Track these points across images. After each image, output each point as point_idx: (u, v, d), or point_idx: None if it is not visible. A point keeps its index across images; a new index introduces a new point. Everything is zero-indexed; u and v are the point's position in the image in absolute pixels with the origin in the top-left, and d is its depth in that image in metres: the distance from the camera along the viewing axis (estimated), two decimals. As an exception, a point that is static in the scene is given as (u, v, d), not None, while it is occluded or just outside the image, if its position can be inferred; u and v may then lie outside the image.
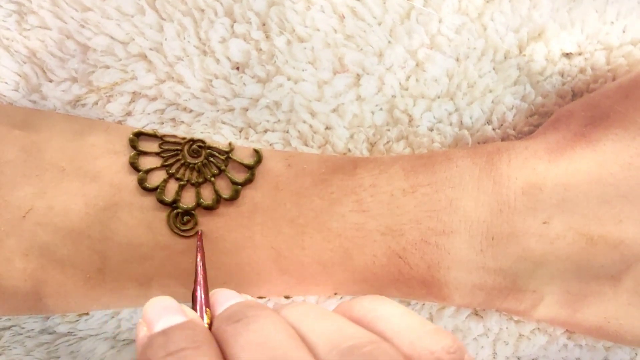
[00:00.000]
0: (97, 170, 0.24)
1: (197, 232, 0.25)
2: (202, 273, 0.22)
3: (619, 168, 0.23)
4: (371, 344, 0.18)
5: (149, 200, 0.25)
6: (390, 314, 0.20)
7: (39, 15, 0.24)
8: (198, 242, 0.24)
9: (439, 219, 0.24)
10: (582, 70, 0.26)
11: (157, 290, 0.25)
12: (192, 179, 0.25)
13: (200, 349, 0.18)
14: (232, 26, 0.25)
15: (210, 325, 0.21)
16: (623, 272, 0.24)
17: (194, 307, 0.21)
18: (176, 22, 0.24)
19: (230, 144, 0.25)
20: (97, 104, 0.25)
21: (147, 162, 0.25)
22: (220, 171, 0.25)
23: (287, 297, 0.27)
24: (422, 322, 0.20)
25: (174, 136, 0.25)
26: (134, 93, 0.25)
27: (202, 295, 0.21)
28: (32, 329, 0.27)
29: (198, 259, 0.23)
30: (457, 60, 0.26)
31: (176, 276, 0.25)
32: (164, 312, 0.19)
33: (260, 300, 0.27)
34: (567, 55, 0.26)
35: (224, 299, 0.21)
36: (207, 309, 0.21)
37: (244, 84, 0.25)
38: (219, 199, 0.25)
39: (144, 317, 0.20)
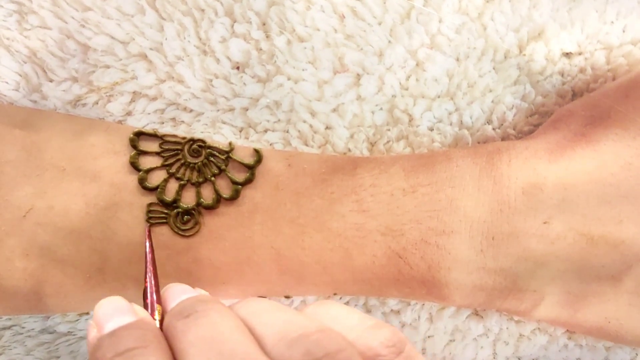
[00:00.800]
0: (97, 170, 0.24)
1: (146, 226, 0.24)
2: (151, 269, 0.22)
3: (619, 168, 0.23)
4: (319, 332, 0.18)
5: (150, 200, 0.25)
6: (330, 315, 0.20)
7: (39, 15, 0.24)
8: (147, 239, 0.23)
9: (439, 219, 0.24)
10: (582, 70, 0.26)
11: (157, 290, 0.25)
12: (192, 179, 0.25)
13: (149, 348, 0.18)
14: (232, 26, 0.25)
15: (162, 322, 0.21)
16: (623, 273, 0.24)
17: (144, 303, 0.21)
18: (176, 21, 0.24)
19: (230, 143, 0.25)
20: (97, 103, 0.25)
21: (147, 162, 0.25)
22: (221, 171, 0.25)
23: (287, 297, 0.27)
24: (362, 318, 0.20)
25: (174, 136, 0.25)
26: (134, 93, 0.25)
27: (152, 291, 0.21)
28: (33, 329, 0.27)
29: (147, 254, 0.23)
30: (457, 60, 0.26)
31: (176, 276, 0.25)
32: (113, 312, 0.20)
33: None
34: (567, 54, 0.26)
35: (176, 294, 0.21)
36: (159, 306, 0.21)
37: (244, 83, 0.25)
38: (219, 199, 0.25)
39: (94, 319, 0.20)
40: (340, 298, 0.28)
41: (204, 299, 0.20)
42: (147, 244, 0.23)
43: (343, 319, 0.20)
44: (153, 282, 0.22)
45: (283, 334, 0.18)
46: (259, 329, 0.19)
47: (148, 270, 0.22)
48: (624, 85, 0.24)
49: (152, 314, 0.21)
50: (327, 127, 0.26)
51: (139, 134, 0.25)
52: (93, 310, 0.26)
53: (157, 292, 0.22)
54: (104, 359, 0.18)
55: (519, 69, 0.26)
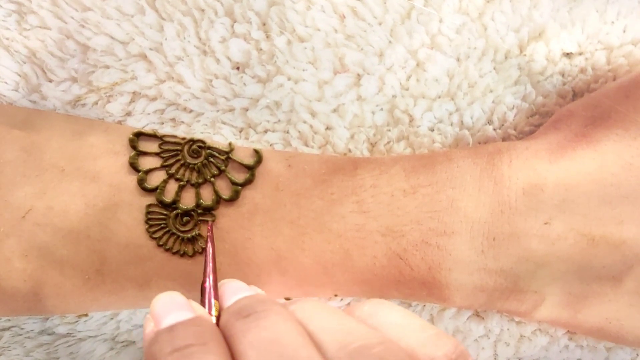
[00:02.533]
0: (96, 170, 0.24)
1: (208, 223, 0.24)
2: (211, 264, 0.22)
3: (620, 168, 0.23)
4: (381, 345, 0.18)
5: (149, 201, 0.24)
6: (391, 318, 0.20)
7: (38, 15, 0.24)
8: (208, 233, 0.23)
9: (440, 219, 0.24)
10: (582, 70, 0.26)
11: (156, 291, 0.25)
12: (192, 180, 0.25)
13: (207, 346, 0.18)
14: (232, 26, 0.25)
15: (218, 317, 0.20)
16: (624, 273, 0.24)
17: (202, 299, 0.21)
18: (176, 22, 0.24)
19: (230, 144, 0.25)
20: (97, 104, 0.25)
21: (146, 163, 0.25)
22: (220, 171, 0.25)
23: (287, 299, 0.27)
24: (423, 326, 0.20)
25: (174, 136, 0.25)
26: (134, 93, 0.25)
27: (211, 289, 0.21)
28: (32, 330, 0.27)
29: (209, 250, 0.22)
30: (458, 60, 0.26)
31: (175, 278, 0.25)
32: (171, 307, 0.19)
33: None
34: (568, 55, 0.26)
35: (233, 291, 0.21)
36: (216, 301, 0.21)
37: (244, 84, 0.25)
38: (218, 200, 0.25)
39: (152, 313, 0.20)
40: (341, 299, 0.28)
41: (262, 299, 0.20)
42: (208, 238, 0.23)
43: (403, 324, 0.20)
44: (212, 279, 0.21)
45: (344, 343, 0.18)
46: (319, 335, 0.18)
47: (208, 263, 0.22)
48: (624, 86, 0.24)
49: (209, 309, 0.21)
50: (327, 128, 0.26)
51: (139, 135, 0.25)
52: (96, 311, 0.26)
53: (215, 287, 0.21)
54: (161, 353, 0.17)
55: (519, 69, 0.26)
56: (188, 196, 0.25)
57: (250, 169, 0.25)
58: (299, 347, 0.18)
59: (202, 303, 0.21)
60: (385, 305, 0.20)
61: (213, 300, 0.21)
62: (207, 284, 0.21)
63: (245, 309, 0.19)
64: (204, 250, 0.23)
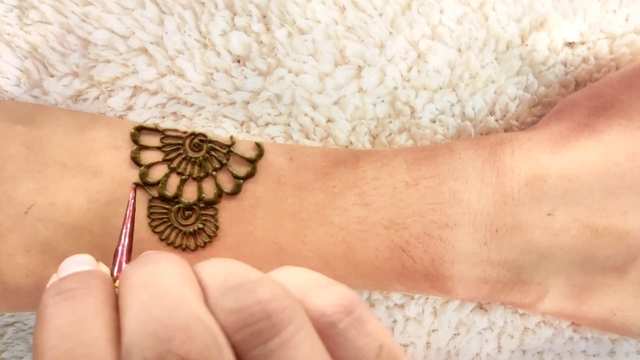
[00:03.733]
0: (98, 165, 0.24)
1: (133, 186, 0.24)
2: (129, 226, 0.22)
3: (624, 158, 0.23)
4: (256, 282, 0.17)
5: (151, 195, 0.24)
6: (289, 275, 0.19)
7: (39, 10, 0.24)
8: (131, 199, 0.23)
9: (442, 211, 0.24)
10: (585, 60, 0.26)
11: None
12: (193, 173, 0.25)
13: (91, 289, 0.18)
14: (232, 19, 0.25)
15: None
16: (628, 264, 0.23)
17: (113, 262, 0.21)
18: (177, 15, 0.24)
19: (231, 137, 0.25)
20: (98, 98, 0.25)
21: (148, 157, 0.25)
22: (222, 165, 0.25)
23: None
24: (317, 278, 0.19)
25: (176, 130, 0.25)
26: (135, 87, 0.25)
27: (124, 251, 0.21)
28: (35, 326, 0.27)
29: (128, 214, 0.22)
30: (459, 50, 0.25)
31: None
32: (75, 265, 0.20)
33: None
34: (570, 44, 0.26)
35: (146, 255, 0.20)
36: (127, 265, 0.21)
37: (245, 77, 0.25)
38: (220, 193, 0.25)
39: (58, 270, 0.20)
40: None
41: (163, 253, 0.20)
42: (131, 203, 0.23)
43: (297, 278, 0.19)
44: (127, 242, 0.22)
45: (222, 284, 0.18)
46: (205, 280, 0.18)
47: (124, 228, 0.22)
48: (627, 75, 0.24)
49: (119, 270, 0.21)
50: (328, 120, 0.26)
51: (140, 129, 0.25)
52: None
53: (130, 252, 0.22)
54: (46, 296, 0.18)
55: (521, 60, 0.26)
56: (190, 190, 0.25)
57: (252, 162, 0.25)
58: (174, 287, 0.17)
59: (112, 265, 0.21)
60: (288, 267, 0.20)
61: (124, 265, 0.21)
62: (119, 247, 0.21)
63: (141, 258, 0.19)
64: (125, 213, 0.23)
